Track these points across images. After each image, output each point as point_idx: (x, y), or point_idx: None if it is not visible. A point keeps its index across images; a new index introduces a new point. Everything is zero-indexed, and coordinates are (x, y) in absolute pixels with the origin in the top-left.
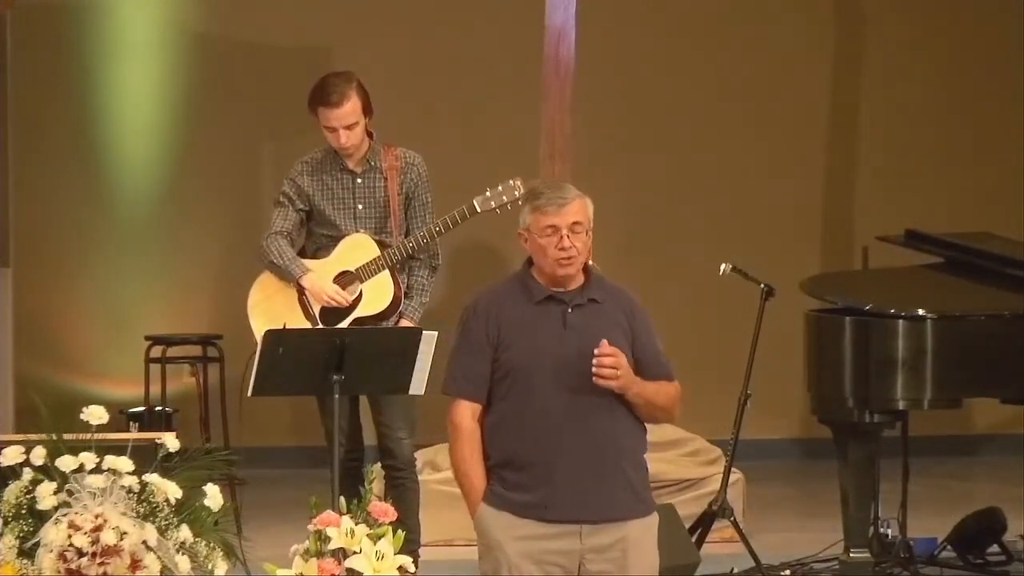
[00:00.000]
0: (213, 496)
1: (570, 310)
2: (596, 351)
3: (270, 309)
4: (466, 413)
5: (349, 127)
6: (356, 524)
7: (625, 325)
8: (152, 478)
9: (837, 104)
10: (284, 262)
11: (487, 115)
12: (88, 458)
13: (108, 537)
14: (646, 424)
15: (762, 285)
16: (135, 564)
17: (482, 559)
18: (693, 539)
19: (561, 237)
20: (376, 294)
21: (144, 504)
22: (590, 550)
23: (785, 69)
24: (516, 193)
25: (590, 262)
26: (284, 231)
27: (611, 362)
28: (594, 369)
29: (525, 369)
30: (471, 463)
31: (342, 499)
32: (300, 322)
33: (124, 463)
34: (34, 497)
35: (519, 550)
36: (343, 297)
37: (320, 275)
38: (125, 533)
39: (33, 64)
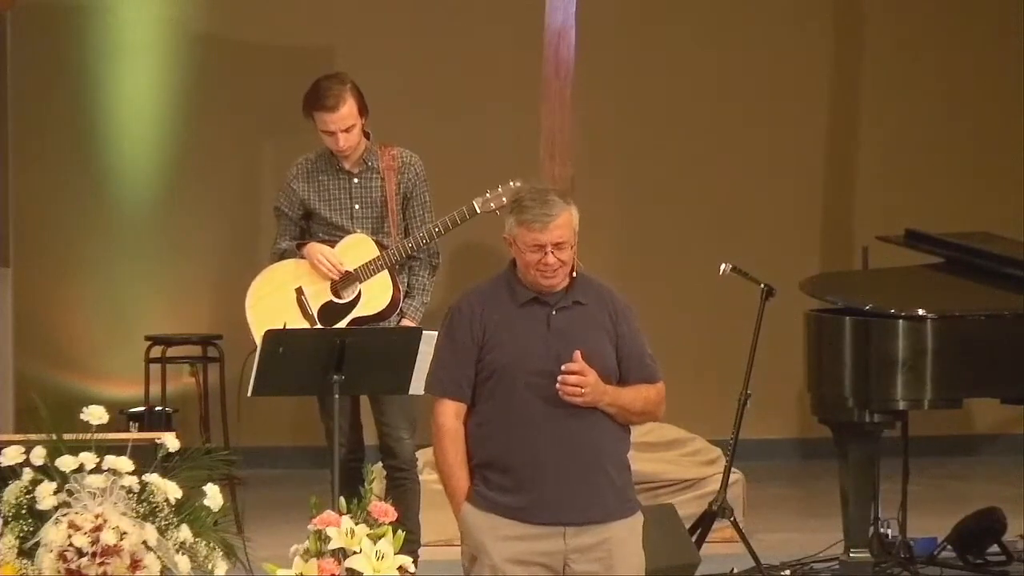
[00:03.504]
0: (213, 496)
1: (554, 312)
2: (563, 367)
3: (268, 309)
4: (450, 413)
5: (347, 129)
6: (356, 524)
7: (609, 326)
8: (152, 478)
9: (837, 104)
10: (288, 254)
11: (487, 115)
12: (88, 458)
13: (108, 537)
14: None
15: (762, 285)
16: (135, 564)
17: (466, 559)
18: (693, 539)
19: (545, 253)
20: (375, 294)
21: (144, 504)
22: (574, 551)
23: (785, 69)
24: None
25: (576, 261)
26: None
27: (575, 380)
28: (558, 386)
29: (509, 371)
30: (455, 463)
31: (342, 499)
32: (298, 322)
33: (124, 463)
34: (34, 497)
35: (503, 551)
36: (332, 265)
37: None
38: (125, 533)
39: (33, 64)
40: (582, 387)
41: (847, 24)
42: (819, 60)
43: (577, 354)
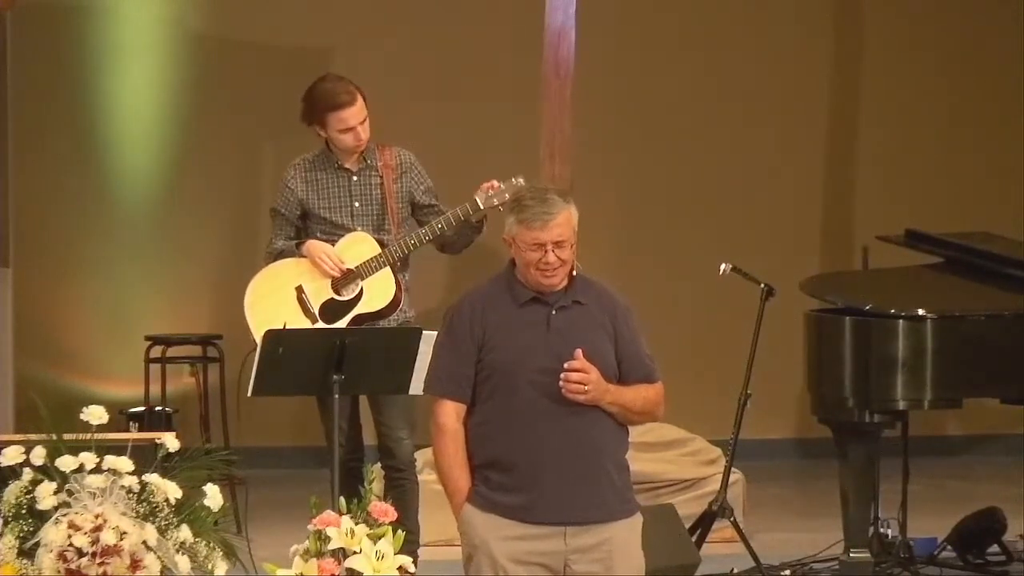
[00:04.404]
0: (213, 496)
1: (554, 312)
2: (566, 364)
3: (268, 308)
4: (450, 413)
5: (363, 121)
6: (356, 524)
7: (609, 326)
8: (152, 478)
9: (837, 104)
10: (285, 253)
11: (487, 115)
12: (88, 458)
13: (108, 537)
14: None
15: (762, 285)
16: (135, 564)
17: (466, 560)
18: (693, 539)
19: (546, 252)
20: (376, 292)
21: (144, 504)
22: (574, 551)
23: (785, 69)
24: None
25: (575, 262)
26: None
27: (578, 377)
28: (561, 383)
29: (508, 371)
30: (455, 463)
31: (342, 499)
32: (299, 321)
33: (124, 463)
34: (34, 497)
35: (504, 551)
36: (334, 263)
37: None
38: (125, 533)
39: (33, 64)
40: (585, 384)
41: (847, 24)
42: (819, 60)
43: (579, 352)
